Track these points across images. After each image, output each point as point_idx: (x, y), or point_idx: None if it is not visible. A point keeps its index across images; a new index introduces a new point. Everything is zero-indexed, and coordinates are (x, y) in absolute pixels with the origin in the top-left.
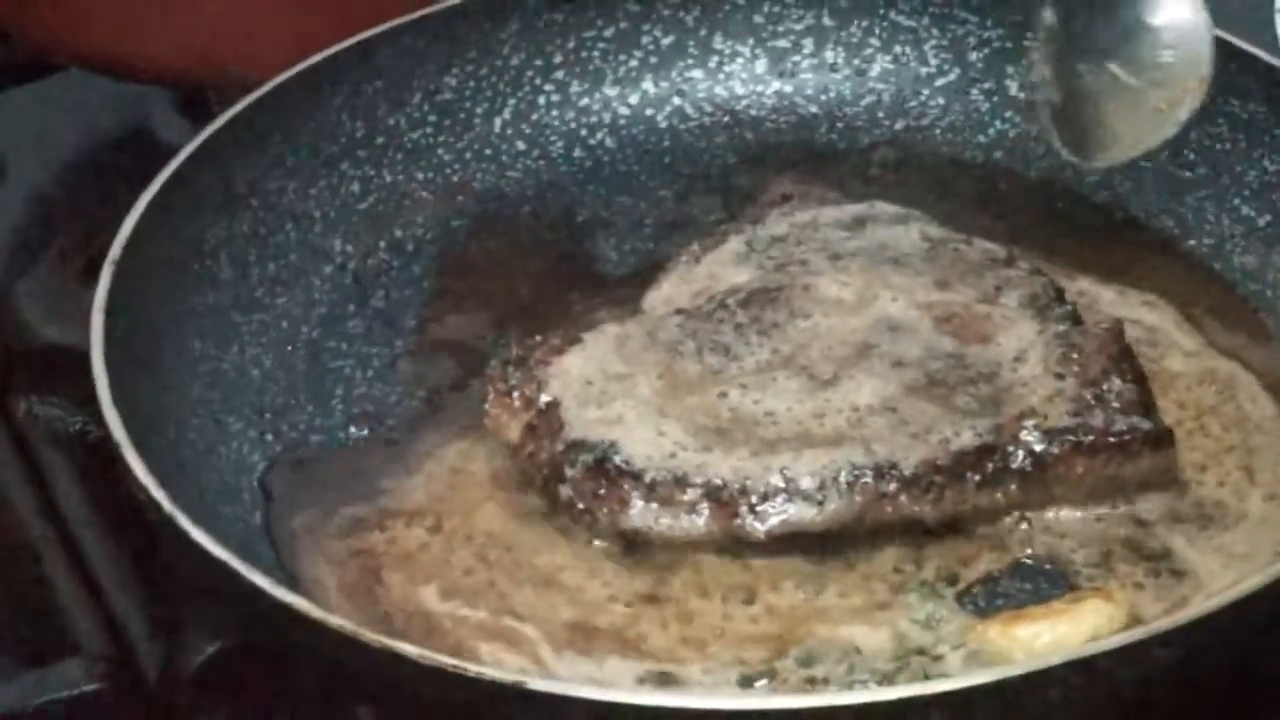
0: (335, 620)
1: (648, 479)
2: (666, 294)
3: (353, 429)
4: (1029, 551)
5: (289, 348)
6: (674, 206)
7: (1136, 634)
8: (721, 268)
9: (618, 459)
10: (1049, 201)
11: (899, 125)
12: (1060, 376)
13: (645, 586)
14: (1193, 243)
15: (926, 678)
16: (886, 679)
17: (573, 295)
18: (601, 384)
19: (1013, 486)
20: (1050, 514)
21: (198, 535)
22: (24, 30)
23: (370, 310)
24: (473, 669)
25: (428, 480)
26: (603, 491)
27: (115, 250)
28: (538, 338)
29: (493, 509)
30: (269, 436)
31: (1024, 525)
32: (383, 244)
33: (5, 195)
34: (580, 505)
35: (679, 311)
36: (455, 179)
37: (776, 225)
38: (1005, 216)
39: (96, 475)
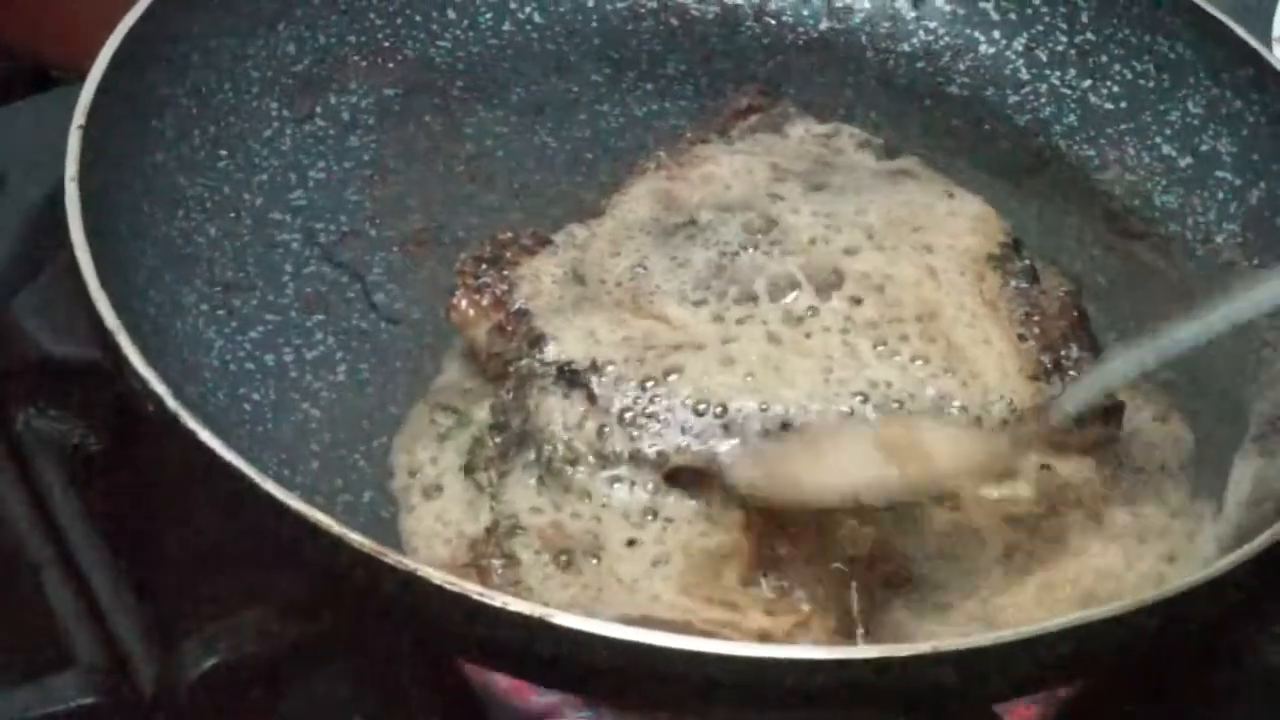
0: (355, 538)
1: (620, 406)
2: (630, 205)
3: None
4: None
5: (232, 215)
6: (607, 93)
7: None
8: (689, 185)
9: (593, 381)
10: (973, 120)
11: (824, 25)
12: (1022, 338)
13: None
14: (1108, 176)
15: None
16: None
17: (516, 185)
18: (575, 295)
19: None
20: None
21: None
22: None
23: (311, 182)
24: (498, 599)
25: None
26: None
27: (79, 115)
28: (509, 234)
29: None
30: (221, 312)
31: None
32: (319, 110)
33: (4, 209)
34: None
35: (647, 230)
36: (386, 44)
37: (743, 140)
38: (932, 133)
39: (93, 488)
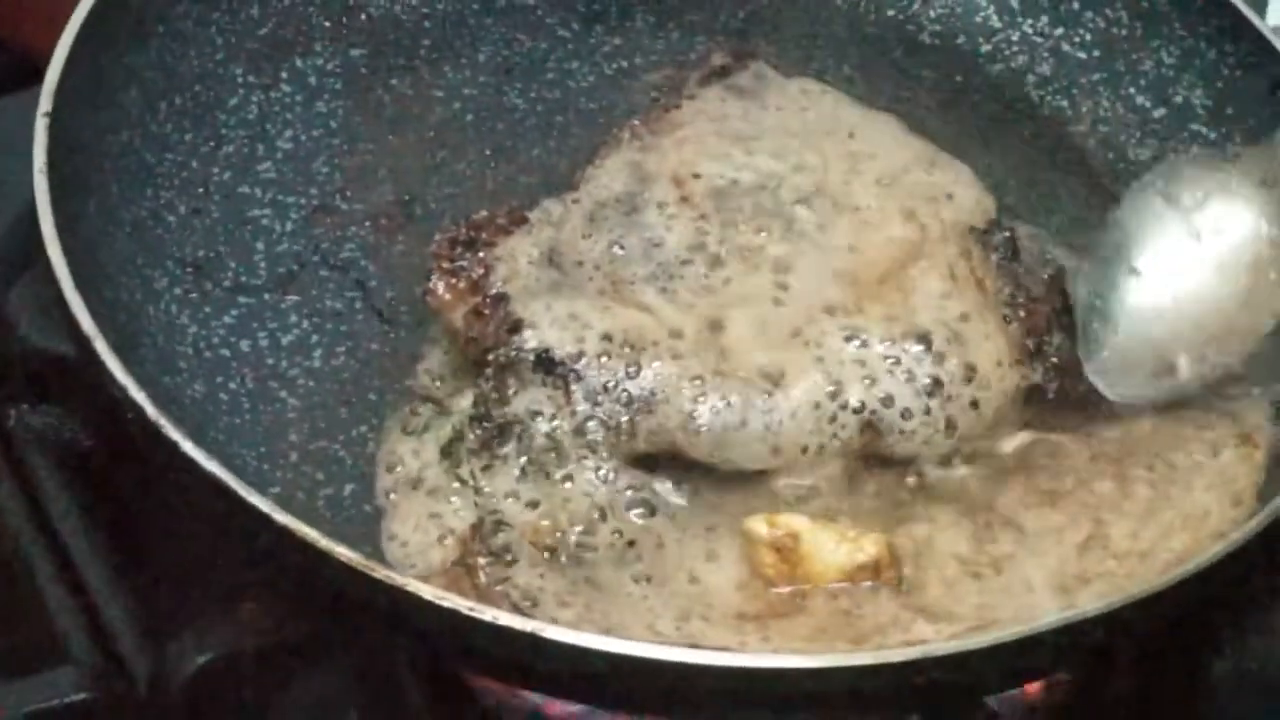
0: (343, 552)
1: (601, 396)
2: (604, 178)
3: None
4: None
5: (201, 190)
6: (575, 50)
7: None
8: (661, 155)
9: (572, 370)
10: (945, 71)
11: None
12: (1006, 320)
13: None
14: (1082, 128)
15: None
16: None
17: (487, 151)
18: (551, 278)
19: (951, 425)
20: None
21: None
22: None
23: (280, 153)
24: (488, 613)
25: None
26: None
27: (45, 102)
28: (483, 213)
29: None
30: (194, 295)
31: None
32: (285, 75)
33: None
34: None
35: (621, 206)
36: (351, 2)
37: (715, 104)
38: (905, 86)
39: (87, 484)
